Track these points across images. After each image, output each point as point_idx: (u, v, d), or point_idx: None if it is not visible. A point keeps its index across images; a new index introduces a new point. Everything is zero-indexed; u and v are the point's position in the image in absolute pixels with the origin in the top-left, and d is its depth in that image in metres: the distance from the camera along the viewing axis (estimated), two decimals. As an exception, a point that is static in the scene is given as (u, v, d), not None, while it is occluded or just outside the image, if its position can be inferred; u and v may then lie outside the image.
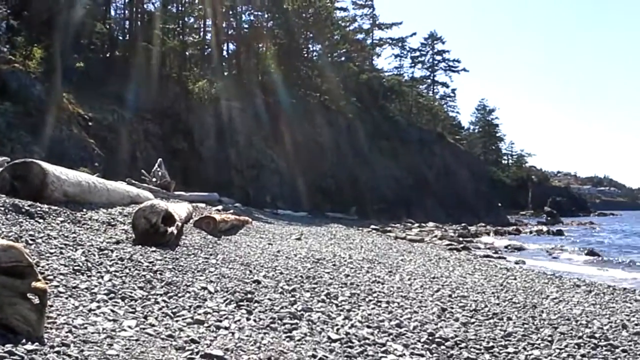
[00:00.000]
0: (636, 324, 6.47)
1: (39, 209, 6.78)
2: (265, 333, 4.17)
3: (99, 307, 3.86)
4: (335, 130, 39.90)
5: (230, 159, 31.26)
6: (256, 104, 34.07)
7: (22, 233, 5.46)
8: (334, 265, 8.55)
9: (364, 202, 36.19)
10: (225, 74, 38.12)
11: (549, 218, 56.45)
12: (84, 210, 7.98)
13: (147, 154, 26.20)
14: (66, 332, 3.21)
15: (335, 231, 19.17)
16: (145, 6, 36.55)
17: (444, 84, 70.26)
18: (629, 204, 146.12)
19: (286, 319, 4.63)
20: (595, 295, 9.00)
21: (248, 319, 4.45)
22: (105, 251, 5.70)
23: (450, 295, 7.14)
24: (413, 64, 68.01)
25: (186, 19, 39.25)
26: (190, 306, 4.49)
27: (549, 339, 5.36)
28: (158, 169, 18.70)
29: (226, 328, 4.09)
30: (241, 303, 4.90)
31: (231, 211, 16.24)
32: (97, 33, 31.33)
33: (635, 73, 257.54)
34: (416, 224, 32.92)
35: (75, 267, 4.73)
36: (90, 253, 5.42)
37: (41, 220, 6.43)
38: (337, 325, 4.75)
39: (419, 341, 4.68)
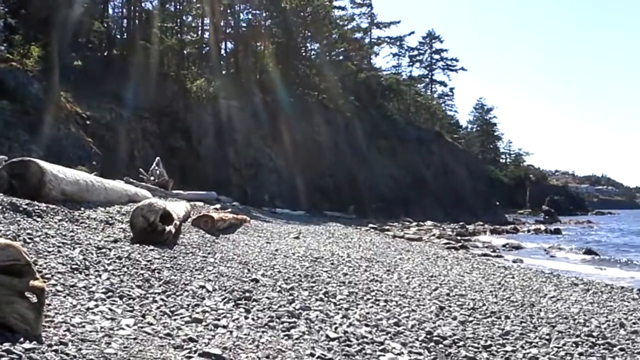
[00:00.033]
0: (634, 323, 6.49)
1: (36, 207, 6.78)
2: (263, 332, 4.17)
3: (97, 306, 3.86)
4: (333, 129, 39.88)
5: (229, 157, 31.23)
6: (254, 103, 34.04)
7: (20, 231, 5.45)
8: (332, 264, 8.55)
9: (362, 200, 36.19)
10: (224, 72, 38.08)
11: (546, 217, 56.53)
12: (82, 208, 7.97)
13: (145, 152, 26.16)
14: (64, 331, 3.20)
15: (334, 230, 19.17)
16: (143, 4, 36.48)
17: (442, 83, 70.21)
18: (627, 203, 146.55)
19: (284, 317, 4.63)
20: (593, 294, 9.02)
21: (246, 318, 4.45)
22: (103, 250, 5.70)
23: (448, 294, 7.15)
24: (411, 63, 67.98)
25: (184, 17, 39.16)
26: (188, 305, 4.49)
27: (547, 337, 5.37)
28: (156, 168, 18.68)
29: (224, 327, 4.09)
30: (239, 302, 4.90)
31: (229, 210, 16.23)
32: (94, 31, 31.27)
33: (635, 73, 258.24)
34: (414, 223, 32.91)
35: (73, 266, 4.73)
36: (88, 252, 5.42)
37: (39, 219, 6.42)
38: (335, 323, 4.75)
39: (417, 340, 4.69)
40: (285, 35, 39.19)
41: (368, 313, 5.33)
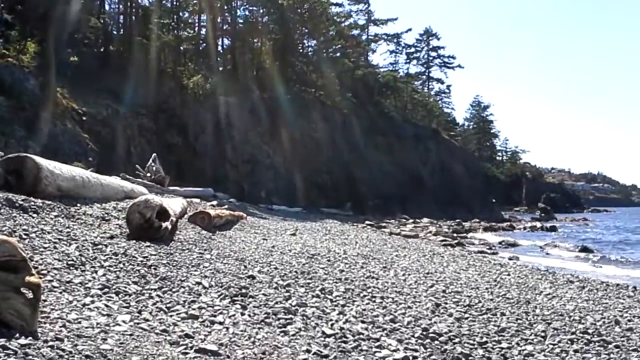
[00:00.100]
0: (629, 320, 6.51)
1: (32, 203, 6.76)
2: (259, 328, 4.18)
3: (92, 302, 3.86)
4: (330, 125, 39.89)
5: (226, 154, 31.19)
6: (252, 100, 34.03)
7: (16, 227, 5.44)
8: (328, 260, 8.57)
9: (359, 197, 36.24)
10: (221, 69, 37.99)
11: (542, 214, 56.61)
12: (78, 205, 7.96)
13: (142, 148, 26.12)
14: (60, 327, 3.20)
15: (330, 227, 19.18)
16: (139, 1, 36.37)
17: (439, 80, 70.29)
18: (623, 200, 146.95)
19: (280, 314, 4.64)
20: (589, 292, 9.05)
21: (242, 314, 4.46)
22: (99, 246, 5.69)
23: (444, 291, 7.18)
24: (408, 60, 68.11)
25: (181, 13, 39.06)
26: (184, 301, 4.49)
27: (543, 334, 5.39)
28: (152, 164, 18.65)
29: (220, 323, 4.10)
30: (236, 298, 4.90)
31: (226, 206, 16.21)
32: (91, 27, 31.12)
33: (632, 72, 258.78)
34: (411, 220, 32.96)
35: (69, 262, 4.72)
36: (84, 248, 5.41)
37: (35, 215, 6.41)
38: (331, 320, 4.76)
39: (413, 336, 4.70)
40: (283, 32, 39.14)
41: (364, 310, 5.34)
